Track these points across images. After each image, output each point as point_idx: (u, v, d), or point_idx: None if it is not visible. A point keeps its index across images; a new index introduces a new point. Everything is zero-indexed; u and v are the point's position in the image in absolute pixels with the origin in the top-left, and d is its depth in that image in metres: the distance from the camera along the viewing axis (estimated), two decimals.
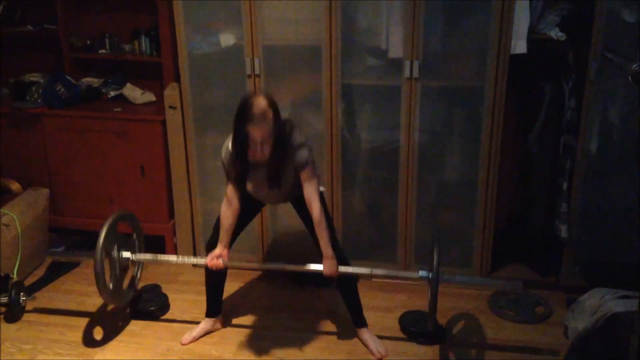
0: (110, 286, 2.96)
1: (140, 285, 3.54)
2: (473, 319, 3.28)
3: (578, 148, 3.22)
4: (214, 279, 3.10)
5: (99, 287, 2.88)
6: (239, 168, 2.70)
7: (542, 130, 3.42)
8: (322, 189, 2.89)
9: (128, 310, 3.34)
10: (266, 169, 2.68)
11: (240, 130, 2.54)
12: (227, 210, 2.84)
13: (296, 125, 2.73)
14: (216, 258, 2.88)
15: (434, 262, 2.68)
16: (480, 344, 3.08)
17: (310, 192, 2.74)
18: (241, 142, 2.57)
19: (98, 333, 3.18)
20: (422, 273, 2.80)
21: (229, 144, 2.72)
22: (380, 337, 3.06)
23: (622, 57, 2.60)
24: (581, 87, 3.17)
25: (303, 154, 2.68)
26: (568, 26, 3.23)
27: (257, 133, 2.51)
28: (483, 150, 3.30)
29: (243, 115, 2.52)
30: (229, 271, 3.14)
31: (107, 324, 3.25)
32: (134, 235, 3.18)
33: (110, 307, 3.38)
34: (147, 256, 3.14)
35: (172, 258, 3.18)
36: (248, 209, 2.94)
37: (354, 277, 3.09)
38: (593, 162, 3.23)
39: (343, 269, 2.85)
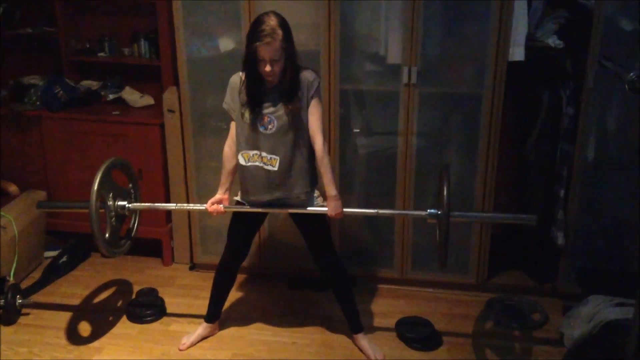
0: (107, 235, 2.88)
1: (136, 289, 3.55)
2: (469, 325, 3.28)
3: (575, 155, 3.23)
4: (222, 285, 3.11)
5: (94, 235, 2.78)
6: (249, 88, 2.64)
7: (540, 138, 3.43)
8: (316, 193, 2.90)
9: (122, 313, 3.34)
10: (275, 89, 2.64)
11: (250, 47, 2.53)
12: (230, 151, 2.82)
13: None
14: (217, 203, 2.86)
15: (444, 198, 2.55)
16: (476, 350, 3.08)
17: (315, 123, 2.70)
18: (251, 60, 2.55)
19: (94, 336, 3.17)
20: (430, 211, 2.69)
21: (239, 73, 2.71)
22: (377, 343, 3.06)
23: (620, 66, 2.61)
24: (579, 95, 3.18)
25: (310, 76, 2.67)
26: (566, 34, 3.24)
27: (266, 51, 2.50)
28: (480, 157, 3.30)
29: (253, 32, 2.53)
30: None
31: (103, 327, 3.24)
32: (130, 185, 3.09)
33: (107, 308, 3.38)
34: (144, 204, 3.09)
35: (170, 206, 3.14)
36: (249, 224, 2.96)
37: (350, 281, 3.08)
38: (590, 169, 3.24)
39: (348, 210, 2.80)
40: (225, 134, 2.85)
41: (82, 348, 3.09)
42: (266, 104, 2.67)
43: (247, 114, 2.69)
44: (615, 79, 2.90)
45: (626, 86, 2.16)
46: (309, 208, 2.82)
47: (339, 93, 3.30)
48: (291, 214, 2.91)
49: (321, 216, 2.88)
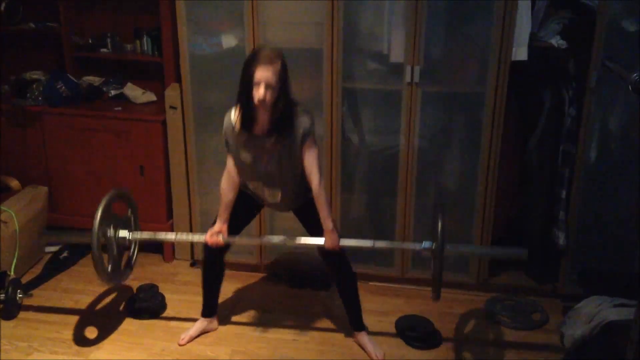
0: (109, 268, 2.90)
1: (137, 284, 3.55)
2: (469, 324, 3.29)
3: (577, 156, 3.23)
4: (211, 279, 3.10)
5: (97, 271, 2.80)
6: (244, 110, 2.64)
7: (542, 138, 3.43)
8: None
9: (123, 308, 3.35)
10: (267, 121, 2.64)
11: (247, 71, 2.55)
12: (227, 185, 2.83)
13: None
14: (215, 234, 2.86)
15: (439, 231, 2.58)
16: (476, 350, 3.08)
17: (311, 162, 2.71)
18: (246, 84, 2.56)
19: (94, 332, 3.18)
20: (425, 244, 2.71)
21: (231, 112, 2.71)
22: (377, 341, 3.06)
23: (623, 66, 2.61)
24: (581, 96, 3.18)
25: (306, 120, 2.68)
26: (569, 34, 3.24)
27: (262, 74, 2.50)
28: (482, 157, 3.30)
29: (251, 58, 2.56)
30: (226, 272, 3.15)
31: (103, 322, 3.24)
32: (129, 212, 3.09)
33: (107, 298, 3.38)
34: (145, 234, 3.09)
35: (170, 236, 3.15)
36: (247, 208, 2.95)
37: (356, 279, 3.09)
38: (592, 170, 3.24)
39: (344, 241, 2.82)
40: None
41: (82, 343, 3.09)
42: (261, 141, 2.68)
43: (244, 156, 2.73)
44: (618, 79, 2.89)
45: (629, 87, 2.15)
46: (304, 240, 2.84)
47: (341, 92, 3.30)
48: (294, 210, 2.92)
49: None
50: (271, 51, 2.55)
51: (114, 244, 2.93)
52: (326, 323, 3.25)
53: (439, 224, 2.60)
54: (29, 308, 3.35)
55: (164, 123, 3.63)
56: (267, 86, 2.52)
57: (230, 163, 2.81)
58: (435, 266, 2.62)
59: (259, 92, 2.52)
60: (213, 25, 3.40)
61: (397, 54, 3.23)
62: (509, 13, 3.06)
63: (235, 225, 2.95)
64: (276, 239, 3.03)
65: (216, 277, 3.12)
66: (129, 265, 3.13)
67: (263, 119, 2.65)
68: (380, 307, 3.42)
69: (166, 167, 3.71)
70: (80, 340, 3.12)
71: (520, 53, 3.17)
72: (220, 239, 2.86)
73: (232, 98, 2.69)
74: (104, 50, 3.94)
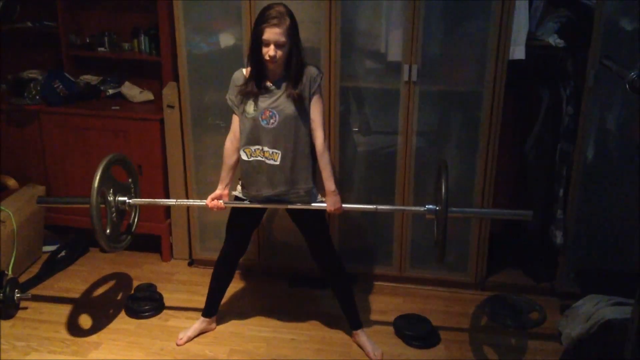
0: (108, 231, 2.88)
1: (135, 284, 3.55)
2: (467, 323, 3.29)
3: (575, 155, 3.23)
4: (221, 279, 3.11)
5: (95, 232, 2.78)
6: (254, 68, 2.66)
7: (539, 137, 3.43)
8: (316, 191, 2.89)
9: (121, 308, 3.34)
10: (278, 74, 2.67)
11: (256, 29, 2.57)
12: (231, 146, 2.82)
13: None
14: (216, 199, 2.86)
15: (442, 193, 2.53)
16: (474, 348, 3.08)
17: (316, 117, 2.72)
18: (256, 41, 2.58)
19: (92, 331, 3.17)
20: (429, 207, 2.68)
21: (242, 69, 2.74)
22: (375, 340, 3.06)
23: (620, 65, 2.61)
24: (579, 94, 3.18)
25: (314, 71, 2.71)
26: (567, 33, 3.24)
27: (271, 34, 2.53)
28: (480, 155, 3.31)
29: (261, 16, 2.57)
30: None
31: (102, 322, 3.24)
32: (130, 180, 3.08)
33: (105, 302, 3.38)
34: (144, 200, 3.09)
35: (170, 201, 3.13)
36: (252, 216, 2.95)
37: (349, 279, 3.08)
38: (589, 169, 3.24)
39: (347, 206, 2.81)
40: (224, 131, 2.85)
41: (80, 342, 3.09)
42: (268, 95, 2.68)
43: (248, 109, 2.70)
44: (615, 78, 2.89)
45: (627, 85, 2.15)
46: (309, 205, 2.81)
47: (339, 90, 3.30)
48: (291, 213, 2.91)
49: (320, 214, 2.88)
50: (280, 8, 2.57)
51: (113, 209, 2.91)
52: (324, 322, 3.25)
53: (443, 186, 2.53)
54: (26, 308, 3.34)
55: (161, 122, 3.63)
56: (277, 45, 2.55)
57: (235, 123, 2.79)
58: (438, 230, 2.59)
59: (270, 52, 2.55)
60: (211, 25, 3.40)
61: (395, 53, 3.23)
62: (506, 12, 3.06)
63: (244, 235, 3.00)
64: (279, 205, 2.87)
65: (226, 279, 3.12)
66: (129, 232, 3.10)
67: (274, 73, 2.67)
68: (378, 306, 3.42)
69: (164, 166, 3.70)
70: (79, 339, 3.11)
71: (518, 52, 3.17)
72: (221, 203, 2.85)
73: None
74: (101, 49, 3.94)
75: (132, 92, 3.90)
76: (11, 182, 3.83)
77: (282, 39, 2.55)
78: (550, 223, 3.38)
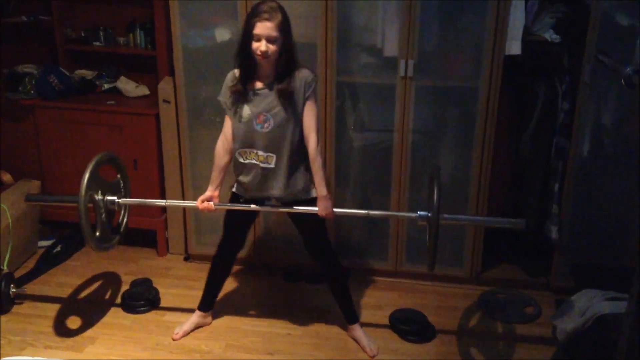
0: (97, 232, 2.86)
1: (130, 279, 3.54)
2: (463, 317, 3.30)
3: (570, 150, 3.24)
4: (219, 274, 3.11)
5: (83, 231, 2.77)
6: (243, 66, 2.64)
7: (535, 132, 3.44)
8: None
9: (117, 303, 3.34)
10: (270, 74, 2.64)
11: (247, 26, 2.56)
12: (223, 148, 2.80)
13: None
14: (207, 200, 2.84)
15: (434, 200, 2.50)
16: (470, 343, 3.10)
17: (310, 121, 2.69)
18: (246, 39, 2.57)
19: (88, 326, 3.17)
20: (420, 213, 2.65)
21: (234, 71, 2.72)
22: (371, 335, 3.07)
23: (616, 61, 2.61)
24: (575, 90, 3.19)
25: (308, 74, 2.68)
26: (563, 28, 3.24)
27: (262, 29, 2.52)
28: (476, 151, 3.31)
29: (252, 11, 2.57)
30: None
31: (97, 317, 3.24)
32: (119, 177, 3.05)
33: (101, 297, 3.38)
34: (133, 200, 3.06)
35: (161, 202, 3.08)
36: (249, 212, 2.93)
37: (345, 273, 3.09)
38: (585, 164, 3.25)
39: (338, 210, 2.81)
40: (220, 125, 2.83)
41: (76, 337, 3.09)
42: (261, 98, 2.66)
43: (242, 113, 2.69)
44: (611, 73, 2.90)
45: (622, 81, 2.16)
46: (297, 207, 2.80)
47: (335, 85, 3.30)
48: (290, 213, 2.91)
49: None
50: (273, 4, 2.56)
51: (102, 209, 2.89)
52: (320, 317, 3.26)
53: (435, 192, 2.51)
54: (22, 303, 3.34)
55: (157, 117, 3.62)
56: (269, 40, 2.53)
57: (227, 125, 2.78)
58: (430, 236, 2.57)
59: (260, 47, 2.53)
60: (207, 19, 3.39)
61: (391, 48, 3.23)
62: (502, 7, 3.06)
63: (241, 231, 3.00)
64: (266, 208, 2.89)
65: (223, 274, 3.13)
66: (118, 231, 3.08)
67: (265, 73, 2.65)
68: (374, 301, 3.42)
69: (159, 160, 3.69)
70: (74, 334, 3.11)
71: (514, 47, 3.17)
72: (212, 205, 2.83)
73: None
74: (96, 43, 3.92)
75: (128, 86, 3.89)
76: (6, 177, 3.82)
77: (274, 33, 2.53)
78: (546, 218, 3.39)
